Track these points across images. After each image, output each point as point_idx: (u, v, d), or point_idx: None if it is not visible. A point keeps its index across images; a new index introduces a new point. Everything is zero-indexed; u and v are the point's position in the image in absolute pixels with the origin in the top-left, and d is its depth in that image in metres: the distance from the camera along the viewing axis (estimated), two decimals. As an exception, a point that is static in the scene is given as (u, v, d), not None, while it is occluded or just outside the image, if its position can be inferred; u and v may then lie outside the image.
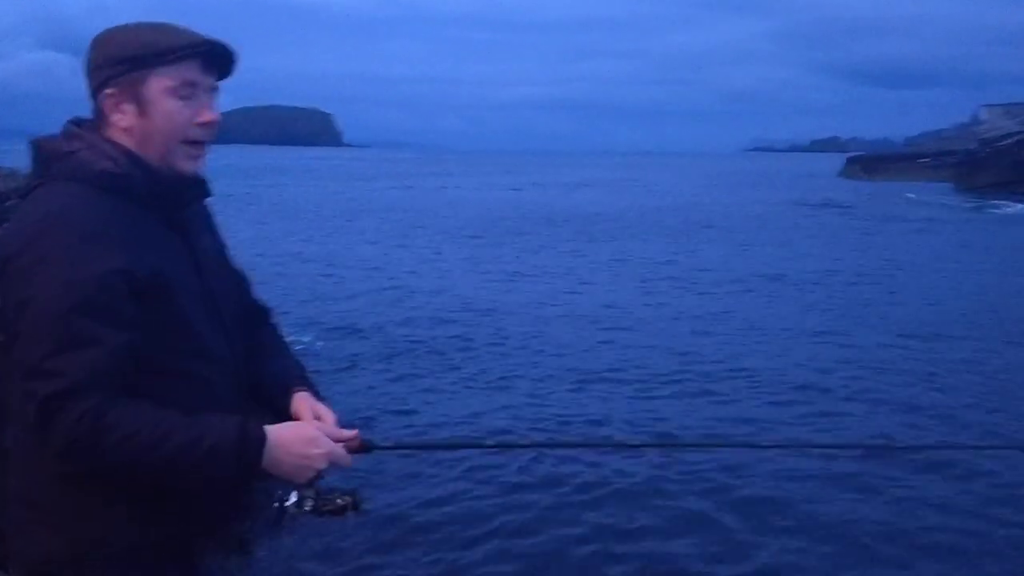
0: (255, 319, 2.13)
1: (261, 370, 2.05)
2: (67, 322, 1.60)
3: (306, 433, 1.81)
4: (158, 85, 1.76)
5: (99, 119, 1.81)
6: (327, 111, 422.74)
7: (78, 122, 1.84)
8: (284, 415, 1.93)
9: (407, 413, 7.14)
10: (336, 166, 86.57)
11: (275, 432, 1.76)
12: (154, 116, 1.77)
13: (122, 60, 1.76)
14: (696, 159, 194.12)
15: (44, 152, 1.78)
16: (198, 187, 1.90)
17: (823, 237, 23.75)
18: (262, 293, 2.21)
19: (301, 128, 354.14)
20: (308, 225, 24.33)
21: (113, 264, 1.65)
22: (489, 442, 4.62)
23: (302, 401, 1.99)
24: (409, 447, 2.12)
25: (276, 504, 1.83)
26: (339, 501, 1.85)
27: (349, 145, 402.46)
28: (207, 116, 1.81)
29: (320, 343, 9.93)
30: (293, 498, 1.79)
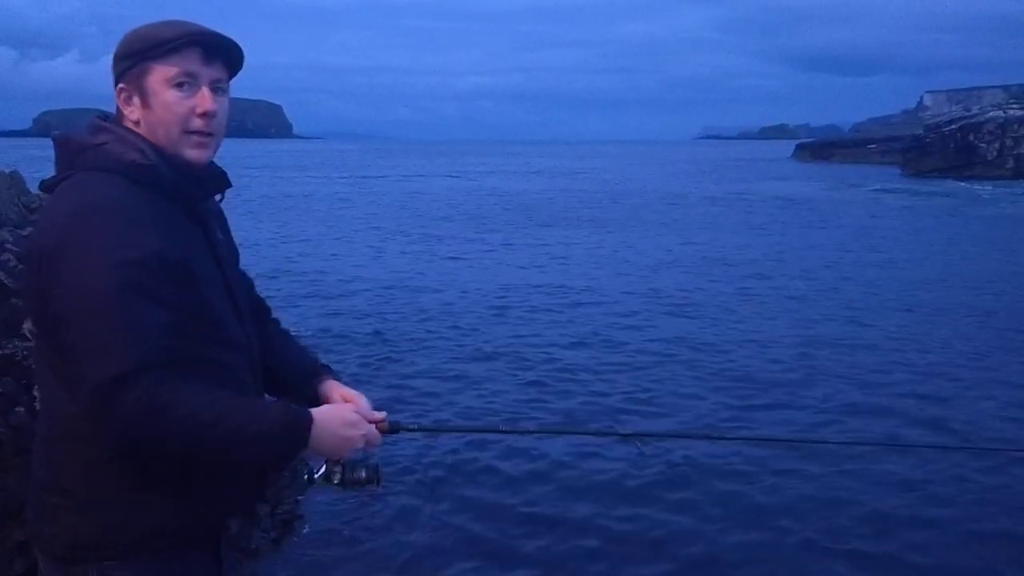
0: (260, 314, 2.19)
1: (281, 360, 2.12)
2: (116, 304, 1.61)
3: (346, 415, 1.89)
4: (158, 76, 1.80)
5: (121, 114, 1.86)
6: (276, 103, 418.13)
7: (104, 117, 1.88)
8: (311, 402, 1.99)
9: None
10: (287, 159, 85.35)
11: (319, 414, 1.83)
12: (155, 107, 1.81)
13: (129, 55, 1.82)
14: (650, 147, 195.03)
15: (71, 146, 1.80)
16: (219, 178, 1.94)
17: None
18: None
19: (250, 120, 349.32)
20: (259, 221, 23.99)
21: (152, 247, 1.67)
22: (503, 427, 5.04)
23: (332, 387, 2.08)
24: (431, 430, 2.28)
25: (306, 475, 1.91)
26: (363, 474, 1.91)
27: (300, 137, 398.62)
28: (204, 105, 1.82)
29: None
30: (322, 470, 1.89)
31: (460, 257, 16.70)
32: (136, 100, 1.82)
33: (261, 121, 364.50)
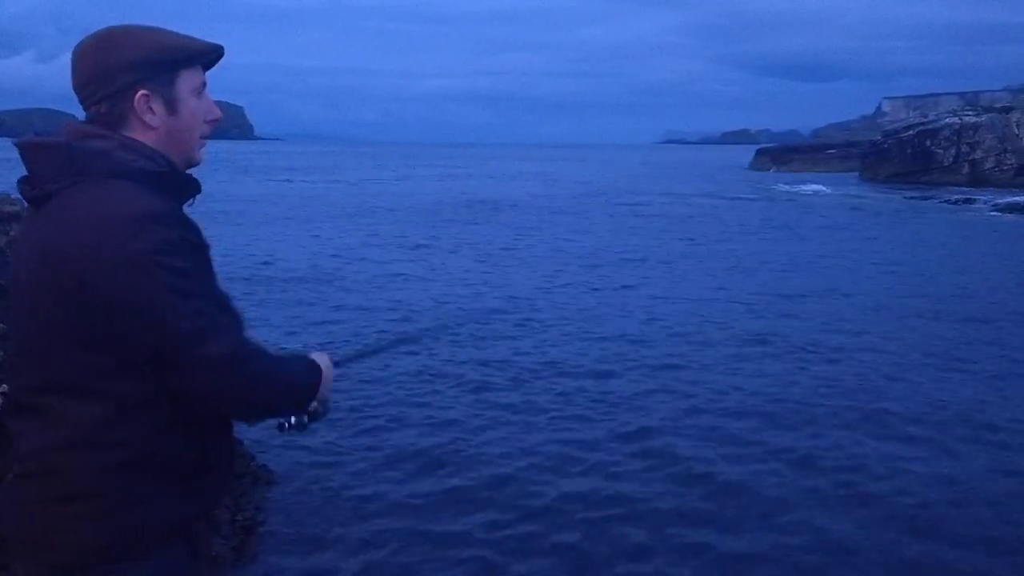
0: None
1: None
2: (207, 289, 1.78)
3: (325, 360, 2.07)
4: (187, 85, 1.90)
5: (118, 119, 1.84)
6: (238, 104, 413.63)
7: (86, 123, 1.86)
8: None
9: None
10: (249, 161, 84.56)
11: (321, 361, 2.04)
12: (184, 114, 1.90)
13: (157, 63, 1.84)
14: (613, 151, 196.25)
15: (75, 151, 1.78)
16: (197, 183, 1.98)
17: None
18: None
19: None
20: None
21: (204, 241, 1.83)
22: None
23: None
24: (364, 354, 2.53)
25: (285, 424, 2.05)
26: (319, 408, 2.07)
27: (261, 138, 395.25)
28: (217, 113, 2.00)
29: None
30: (292, 419, 2.05)
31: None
32: (159, 107, 1.86)
33: (222, 122, 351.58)
